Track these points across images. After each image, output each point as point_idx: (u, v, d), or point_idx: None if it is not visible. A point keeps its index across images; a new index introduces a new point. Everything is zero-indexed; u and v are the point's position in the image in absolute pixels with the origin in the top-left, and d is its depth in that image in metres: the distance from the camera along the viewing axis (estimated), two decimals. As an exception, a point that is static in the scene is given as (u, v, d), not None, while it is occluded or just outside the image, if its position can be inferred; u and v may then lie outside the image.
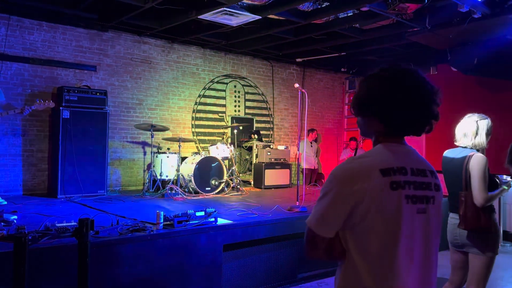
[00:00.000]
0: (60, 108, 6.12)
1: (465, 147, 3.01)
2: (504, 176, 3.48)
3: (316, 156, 9.38)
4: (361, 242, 1.37)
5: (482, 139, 2.96)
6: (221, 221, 4.33)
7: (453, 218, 3.11)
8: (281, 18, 6.49)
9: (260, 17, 6.18)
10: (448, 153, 3.16)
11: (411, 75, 1.45)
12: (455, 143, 3.09)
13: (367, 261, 1.36)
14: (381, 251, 1.35)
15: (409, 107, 1.42)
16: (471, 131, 2.98)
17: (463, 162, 2.93)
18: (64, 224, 3.50)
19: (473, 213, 2.86)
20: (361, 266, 1.37)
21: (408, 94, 1.42)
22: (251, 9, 6.05)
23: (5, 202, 5.41)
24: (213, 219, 4.20)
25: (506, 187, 3.01)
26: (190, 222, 4.03)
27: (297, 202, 5.37)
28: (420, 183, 1.43)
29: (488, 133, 2.98)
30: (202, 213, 4.18)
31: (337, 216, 1.37)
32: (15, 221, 3.97)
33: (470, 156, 2.90)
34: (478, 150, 2.98)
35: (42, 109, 5.73)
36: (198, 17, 6.18)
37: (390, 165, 1.39)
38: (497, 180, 3.06)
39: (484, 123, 2.97)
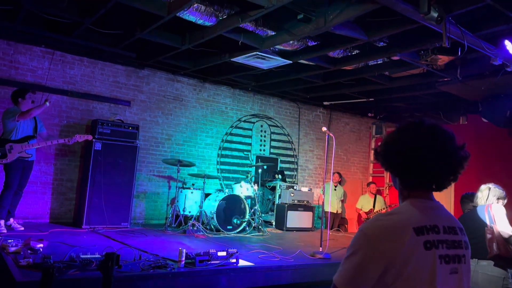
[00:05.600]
0: (93, 140, 6.32)
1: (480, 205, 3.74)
2: None
3: (342, 200, 9.22)
4: None
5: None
6: (242, 263, 4.27)
7: None
8: (310, 63, 6.64)
9: (291, 61, 6.34)
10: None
11: (447, 139, 1.39)
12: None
13: None
14: None
15: (438, 169, 1.37)
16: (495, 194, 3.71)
17: (484, 211, 3.57)
18: (88, 256, 3.57)
19: (502, 243, 3.35)
20: None
21: (441, 158, 1.37)
22: (282, 54, 6.22)
23: (22, 228, 5.56)
24: (234, 260, 4.15)
25: None
26: (212, 262, 4.00)
27: (320, 248, 5.25)
28: (452, 242, 1.38)
29: None
30: (224, 253, 4.13)
31: (368, 277, 1.30)
32: (41, 249, 4.04)
33: (489, 205, 3.56)
34: None
35: (81, 140, 5.89)
36: (231, 59, 6.40)
37: (423, 223, 1.33)
38: None
39: None
